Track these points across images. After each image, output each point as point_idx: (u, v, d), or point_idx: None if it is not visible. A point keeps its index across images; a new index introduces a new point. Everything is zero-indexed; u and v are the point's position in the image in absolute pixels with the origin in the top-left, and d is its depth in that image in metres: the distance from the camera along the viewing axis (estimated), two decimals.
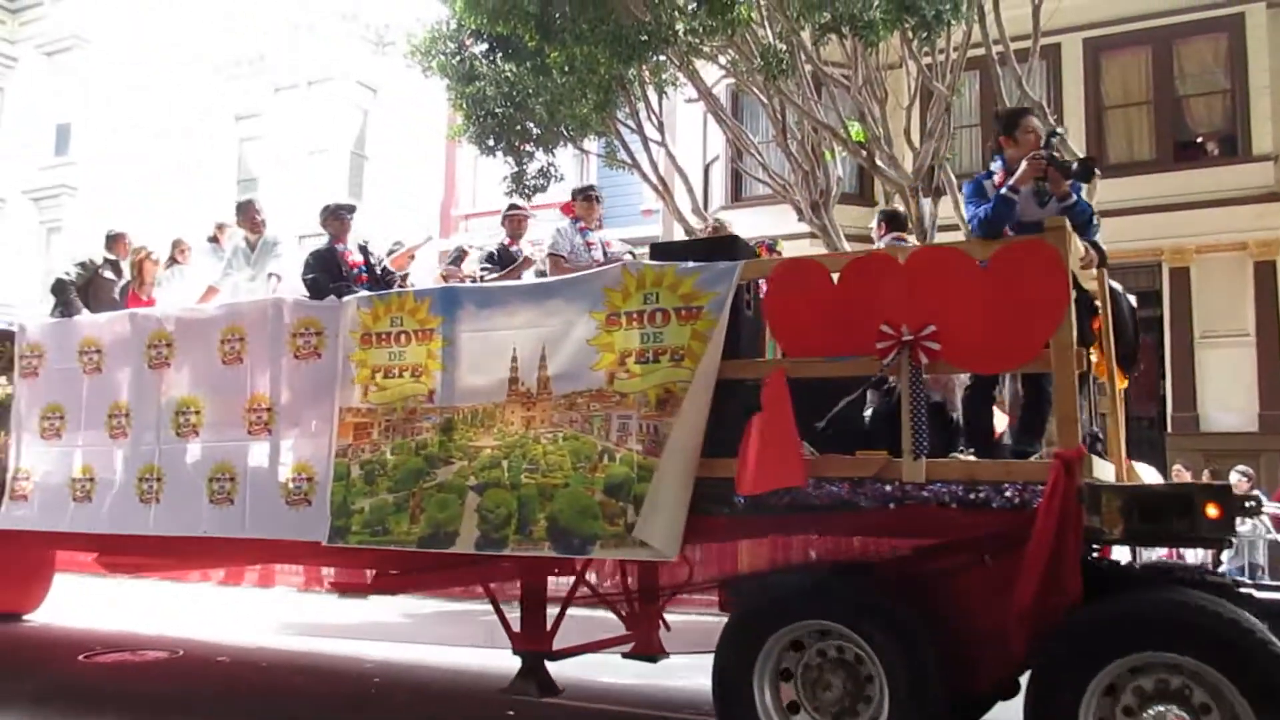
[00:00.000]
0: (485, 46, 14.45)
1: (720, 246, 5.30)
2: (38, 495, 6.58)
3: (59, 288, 7.38)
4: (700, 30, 12.02)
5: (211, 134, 25.19)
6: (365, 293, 5.94)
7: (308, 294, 6.22)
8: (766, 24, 12.54)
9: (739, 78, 14.11)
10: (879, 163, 12.79)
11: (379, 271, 6.84)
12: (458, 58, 14.65)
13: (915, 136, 13.14)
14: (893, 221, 6.54)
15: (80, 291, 7.44)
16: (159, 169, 24.05)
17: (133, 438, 6.26)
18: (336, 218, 6.77)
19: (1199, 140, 15.77)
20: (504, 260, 7.12)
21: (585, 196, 7.30)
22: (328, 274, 6.31)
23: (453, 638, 8.53)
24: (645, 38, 12.00)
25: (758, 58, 12.05)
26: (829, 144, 13.54)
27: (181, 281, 7.72)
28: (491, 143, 14.94)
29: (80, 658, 7.52)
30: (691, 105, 16.89)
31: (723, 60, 14.16)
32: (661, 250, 5.46)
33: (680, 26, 12.13)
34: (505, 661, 6.34)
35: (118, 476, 6.25)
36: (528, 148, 15.23)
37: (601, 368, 4.97)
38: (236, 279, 7.36)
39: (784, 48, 12.02)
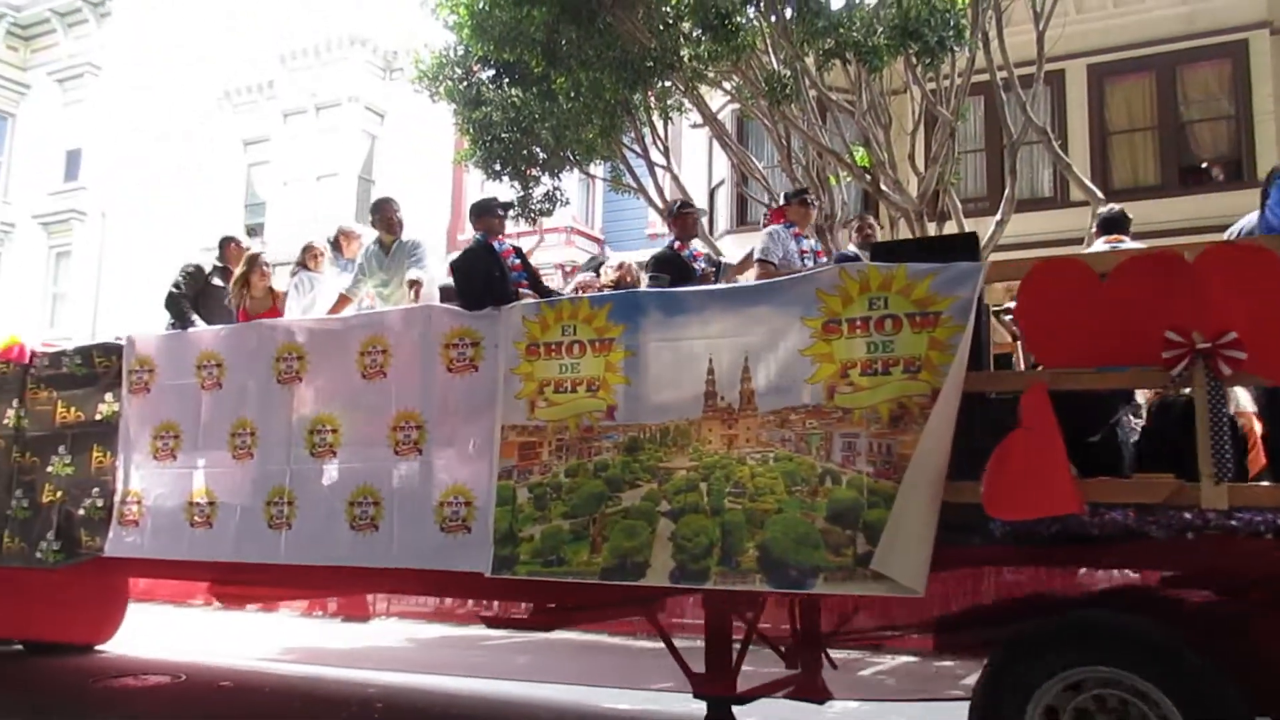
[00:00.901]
0: (492, 72, 14.55)
1: (959, 245, 4.79)
2: (150, 520, 6.10)
3: (172, 303, 6.79)
4: (705, 56, 12.11)
5: (220, 159, 25.40)
6: (530, 299, 5.46)
7: (458, 300, 5.65)
8: (771, 50, 12.62)
9: (744, 103, 14.19)
10: (884, 187, 12.82)
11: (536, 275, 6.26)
12: (465, 83, 14.76)
13: (920, 161, 13.18)
14: (1111, 225, 5.97)
15: (191, 302, 6.89)
16: (168, 194, 24.23)
17: (259, 458, 5.80)
18: (490, 213, 6.03)
19: (1204, 166, 15.79)
20: (675, 265, 6.33)
21: (801, 200, 6.59)
22: (487, 276, 5.66)
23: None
24: (651, 64, 12.08)
25: (762, 83, 12.13)
26: (834, 169, 13.59)
27: (312, 290, 7.02)
28: (498, 167, 15.02)
29: (93, 683, 7.51)
30: (697, 130, 16.98)
31: (728, 86, 14.26)
32: (886, 250, 4.88)
33: (685, 53, 12.23)
34: (506, 689, 6.29)
35: (243, 500, 5.79)
36: (534, 172, 15.30)
37: (818, 380, 4.45)
38: (367, 286, 6.83)
39: (788, 74, 12.09)
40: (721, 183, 17.96)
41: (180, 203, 24.45)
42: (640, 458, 4.77)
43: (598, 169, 16.91)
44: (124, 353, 6.42)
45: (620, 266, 7.01)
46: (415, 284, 6.41)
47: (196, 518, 5.93)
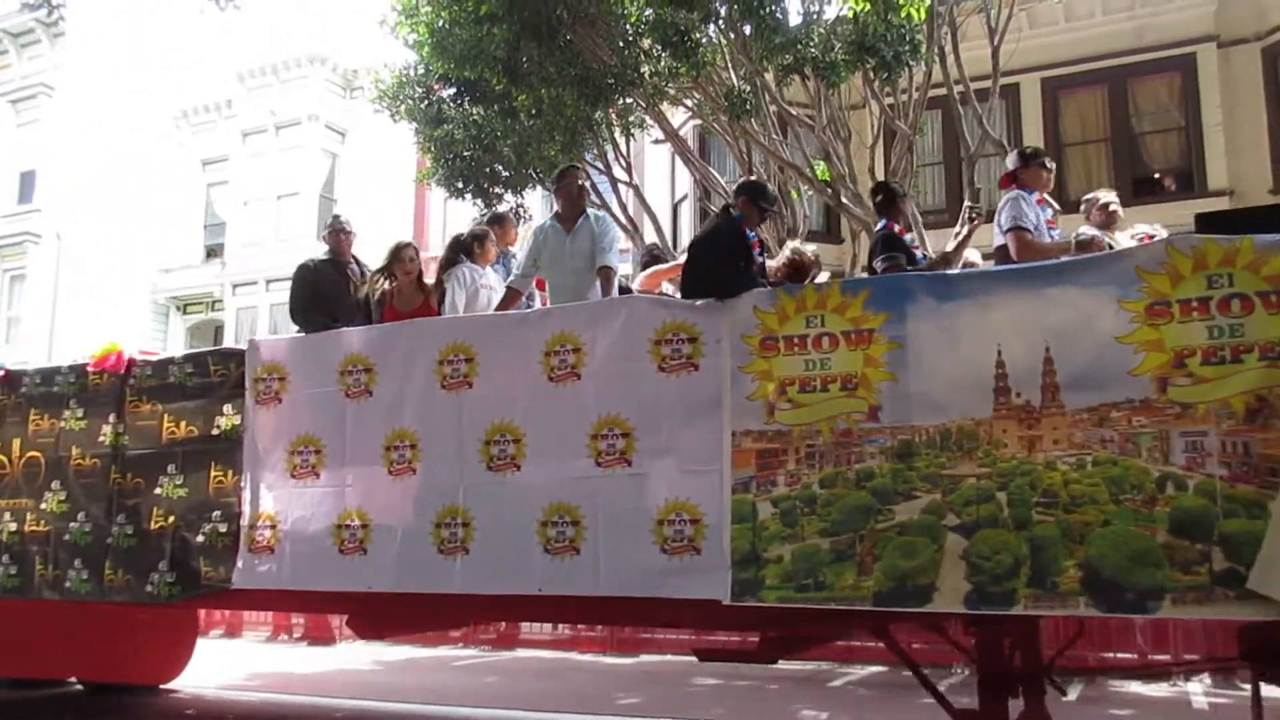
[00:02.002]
0: (453, 90, 14.54)
1: None
2: (289, 547, 5.36)
3: (297, 313, 6.13)
4: (666, 73, 12.18)
5: (178, 180, 25.13)
6: (761, 288, 4.83)
7: (695, 284, 4.93)
8: (731, 67, 12.72)
9: (705, 119, 14.28)
10: (844, 200, 12.94)
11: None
12: (425, 102, 14.73)
13: (880, 174, 13.32)
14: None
15: (310, 303, 6.18)
16: (125, 216, 23.92)
17: (424, 474, 5.11)
18: (762, 198, 5.33)
19: (1156, 176, 16.11)
20: (904, 247, 5.62)
21: (1041, 163, 5.69)
22: (748, 259, 4.95)
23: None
24: (611, 80, 12.13)
25: (723, 99, 12.21)
26: (795, 183, 13.70)
27: (475, 283, 6.18)
28: (461, 185, 14.99)
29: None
30: (659, 146, 17.06)
31: (689, 102, 14.35)
32: (1209, 221, 4.28)
33: (646, 69, 12.29)
34: (475, 714, 6.23)
35: (404, 522, 5.11)
36: (497, 190, 15.29)
37: (1145, 371, 3.87)
38: (539, 274, 6.07)
39: (748, 89, 12.19)
40: (684, 198, 18.04)
41: (138, 224, 24.16)
42: (916, 465, 4.19)
43: None
44: (247, 359, 5.71)
45: (794, 251, 6.07)
46: (606, 272, 5.64)
47: (347, 543, 5.20)
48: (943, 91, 12.64)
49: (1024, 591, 3.90)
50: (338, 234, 6.72)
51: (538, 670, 9.97)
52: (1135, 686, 8.40)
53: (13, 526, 6.14)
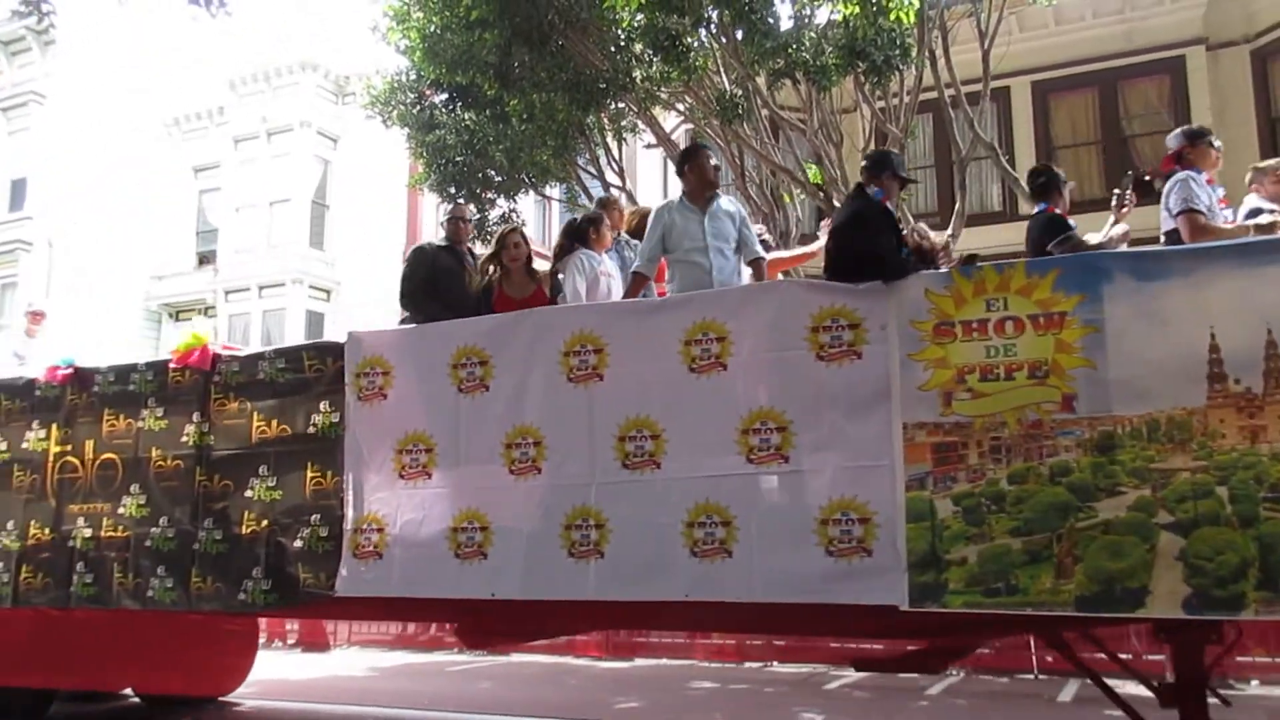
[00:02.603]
0: (445, 96, 14.55)
1: None
2: (398, 552, 5.03)
3: (408, 296, 5.81)
4: (657, 78, 12.21)
5: (170, 187, 25.09)
6: (931, 270, 4.55)
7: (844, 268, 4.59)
8: (722, 71, 12.75)
9: (697, 123, 14.30)
10: (837, 204, 12.96)
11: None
12: (417, 107, 14.74)
13: None
14: None
15: (425, 290, 5.81)
16: (117, 223, 23.86)
17: (550, 473, 4.78)
18: (893, 169, 4.95)
19: (1147, 178, 16.13)
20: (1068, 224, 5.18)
21: (1208, 142, 5.40)
22: (897, 239, 4.63)
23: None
24: (603, 85, 12.16)
25: (714, 104, 12.24)
26: (787, 187, 13.73)
27: (594, 269, 5.69)
28: (453, 190, 15.00)
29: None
30: (651, 150, 17.08)
31: (680, 106, 14.37)
32: None
33: (638, 74, 12.32)
34: None
35: (530, 524, 4.79)
36: (489, 195, 15.30)
37: None
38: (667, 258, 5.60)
39: (740, 94, 12.22)
40: None
41: (130, 231, 24.10)
42: (1119, 458, 3.87)
43: (553, 190, 16.93)
44: (346, 353, 5.36)
45: (919, 234, 5.69)
46: (761, 265, 5.35)
47: (465, 547, 4.87)
48: (933, 95, 12.68)
49: (1253, 595, 3.62)
50: (456, 221, 6.28)
51: (533, 675, 9.96)
52: (1130, 687, 8.41)
53: (88, 532, 5.80)
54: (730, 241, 5.27)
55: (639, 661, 10.52)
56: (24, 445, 6.12)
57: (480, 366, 5.01)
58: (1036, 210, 5.63)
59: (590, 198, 15.44)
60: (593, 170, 15.05)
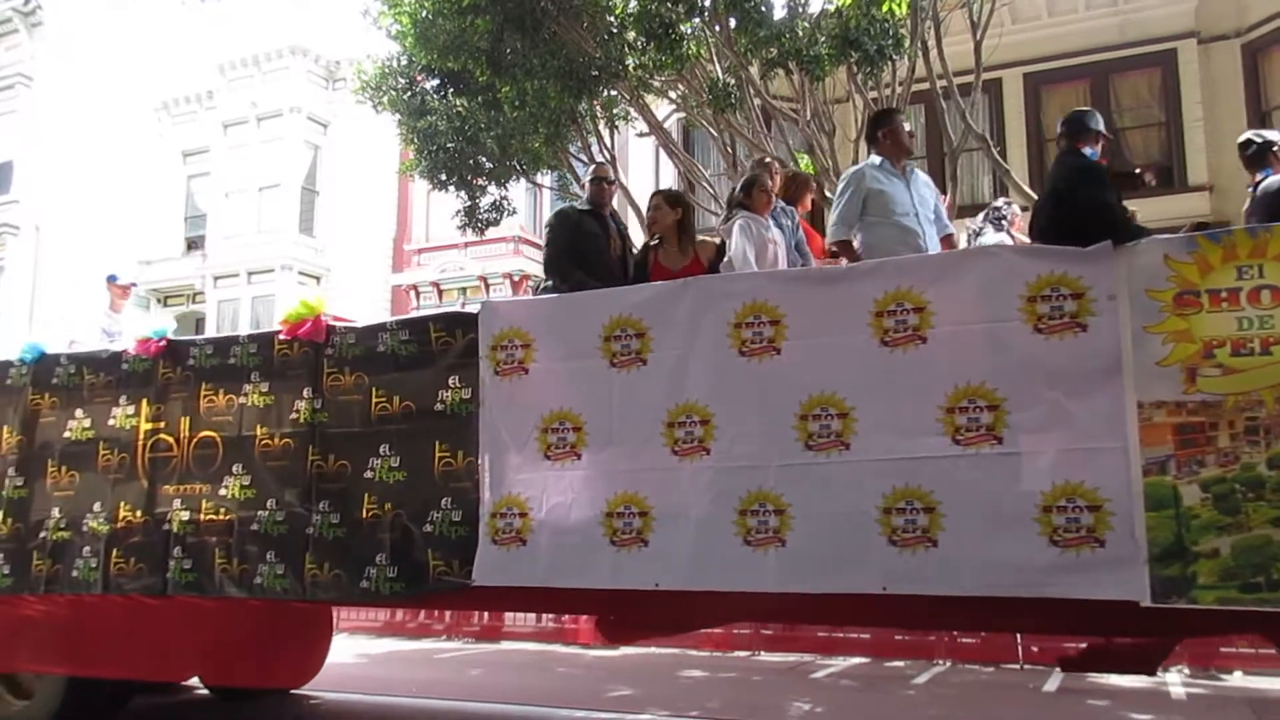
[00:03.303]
0: (436, 82, 14.48)
1: None
2: (544, 539, 4.66)
3: (553, 262, 5.38)
4: (650, 65, 12.17)
5: (158, 171, 24.95)
6: (1165, 235, 4.20)
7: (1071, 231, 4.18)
8: (715, 59, 12.71)
9: (689, 111, 14.27)
10: (828, 194, 12.95)
11: None
12: (409, 93, 14.67)
13: None
14: None
15: (570, 256, 5.40)
16: (105, 207, 23.72)
17: (720, 454, 4.40)
18: (1092, 128, 4.71)
19: (1137, 171, 16.20)
20: None
21: None
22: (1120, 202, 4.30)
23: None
24: (596, 72, 12.12)
25: (707, 92, 12.21)
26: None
27: (760, 234, 5.22)
28: (444, 177, 14.95)
29: None
30: (643, 139, 17.04)
31: (673, 94, 14.33)
32: None
33: (630, 61, 12.27)
34: (460, 707, 6.21)
35: (698, 510, 4.42)
36: (480, 182, 15.25)
37: None
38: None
39: (732, 82, 12.19)
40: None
41: (118, 215, 23.96)
42: None
43: (544, 178, 16.89)
44: (480, 324, 4.95)
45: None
46: (949, 240, 5.03)
47: (621, 534, 4.51)
48: (926, 86, 12.67)
49: None
50: (600, 182, 5.80)
51: (523, 663, 9.98)
52: (1114, 678, 8.49)
53: (185, 515, 5.44)
54: (932, 211, 5.04)
55: (625, 650, 10.56)
56: (110, 422, 5.78)
57: (637, 339, 4.62)
58: (1262, 176, 5.46)
59: (582, 186, 15.39)
60: (584, 158, 15.00)
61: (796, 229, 5.84)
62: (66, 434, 5.90)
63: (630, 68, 12.31)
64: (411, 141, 14.84)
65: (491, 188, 15.47)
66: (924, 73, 12.49)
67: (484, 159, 14.78)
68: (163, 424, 5.65)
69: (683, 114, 15.32)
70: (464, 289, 21.23)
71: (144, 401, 5.73)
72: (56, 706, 6.12)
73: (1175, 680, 8.32)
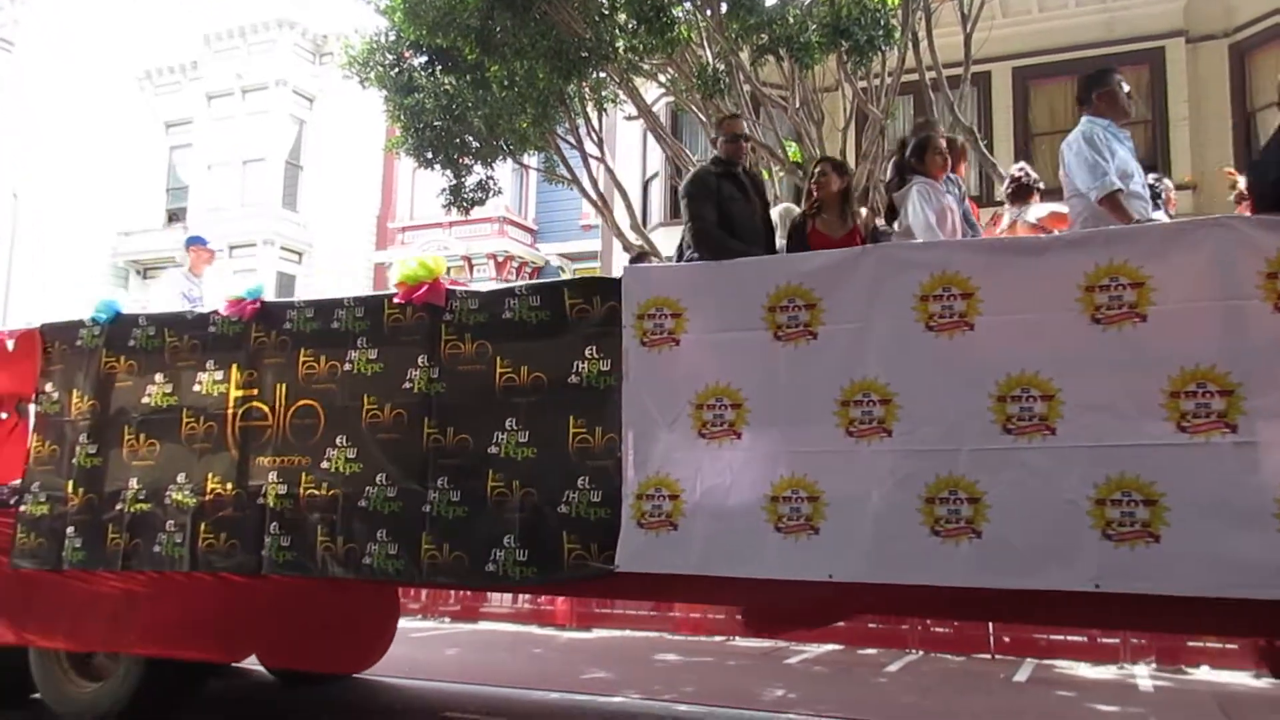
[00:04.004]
0: (424, 59, 14.36)
1: None
2: (697, 524, 4.31)
3: (702, 235, 4.90)
4: (640, 48, 12.11)
5: (141, 141, 24.67)
6: None
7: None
8: (706, 44, 12.67)
9: (678, 96, 14.22)
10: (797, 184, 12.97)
11: None
12: (396, 69, 14.54)
13: (851, 158, 13.35)
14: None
15: (718, 218, 4.94)
16: (85, 176, 23.45)
17: (903, 436, 4.07)
18: None
19: None
20: None
21: None
22: None
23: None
24: (585, 54, 12.05)
25: (696, 77, 12.17)
26: (767, 164, 13.70)
27: (938, 199, 4.85)
28: (430, 155, 14.84)
29: None
30: (631, 122, 16.98)
31: (662, 78, 14.28)
32: None
33: (620, 44, 12.21)
34: (442, 688, 6.20)
35: (877, 496, 4.09)
36: (466, 161, 15.16)
37: None
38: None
39: (722, 68, 12.16)
40: (656, 175, 17.98)
41: (98, 185, 23.70)
42: None
43: (531, 159, 16.82)
44: (624, 291, 4.61)
45: None
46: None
47: (787, 520, 4.17)
48: (915, 77, 12.68)
49: None
50: (736, 140, 5.31)
51: (497, 644, 10.01)
52: (1083, 669, 8.59)
53: (282, 489, 5.10)
54: (1141, 178, 4.71)
55: (599, 632, 10.60)
56: (196, 388, 5.43)
57: (806, 310, 4.28)
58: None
59: (568, 167, 15.35)
60: (572, 140, 14.95)
61: (963, 198, 5.50)
62: (145, 400, 5.55)
63: (620, 50, 12.25)
64: (398, 118, 14.72)
65: (477, 167, 15.38)
66: (913, 64, 12.50)
67: (471, 138, 14.69)
68: (255, 391, 5.31)
69: (671, 98, 15.26)
70: (447, 269, 21.17)
71: (234, 367, 5.39)
72: (133, 689, 5.73)
73: (1143, 673, 8.43)
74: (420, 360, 4.96)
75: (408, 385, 4.96)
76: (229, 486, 5.23)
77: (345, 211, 23.09)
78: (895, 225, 4.94)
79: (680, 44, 11.93)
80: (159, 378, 5.56)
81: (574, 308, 4.73)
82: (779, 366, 4.30)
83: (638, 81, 14.06)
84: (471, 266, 21.28)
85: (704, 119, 13.63)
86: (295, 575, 5.06)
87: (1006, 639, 9.08)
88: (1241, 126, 15.25)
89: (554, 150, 15.32)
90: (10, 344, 6.08)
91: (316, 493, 5.03)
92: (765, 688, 7.69)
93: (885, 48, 11.71)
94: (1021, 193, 6.13)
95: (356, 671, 7.30)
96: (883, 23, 11.21)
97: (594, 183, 15.19)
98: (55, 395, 5.83)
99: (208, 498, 5.25)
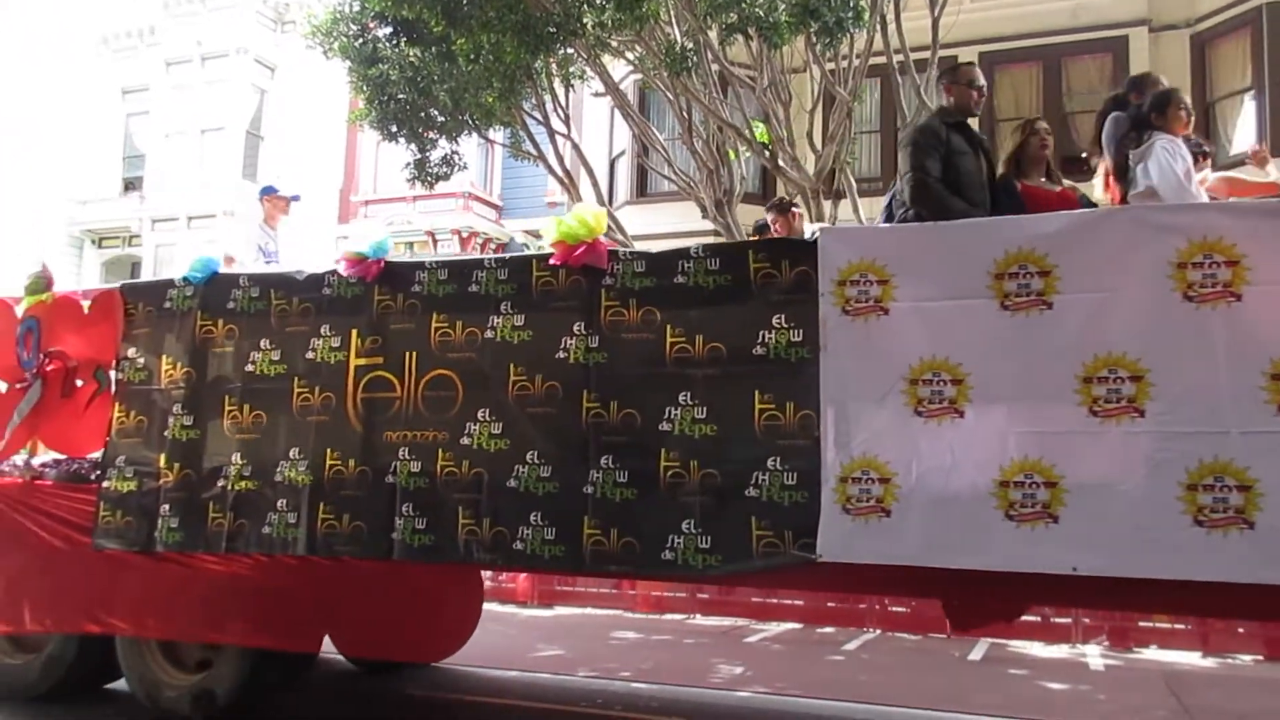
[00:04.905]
0: (389, 30, 14.14)
1: None
2: (913, 510, 3.94)
3: (922, 192, 4.50)
4: (608, 24, 12.00)
5: (96, 107, 24.13)
6: None
7: None
8: (674, 21, 12.60)
9: (646, 74, 14.14)
10: (781, 164, 12.97)
11: None
12: (360, 40, 14.31)
13: (818, 139, 13.37)
14: None
15: (947, 183, 4.55)
16: (39, 142, 22.92)
17: (1158, 417, 3.70)
18: None
19: (1084, 155, 16.42)
20: None
21: None
22: None
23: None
24: (553, 29, 11.93)
25: (664, 54, 12.11)
26: (733, 144, 13.69)
27: (1185, 160, 4.51)
28: (394, 128, 14.65)
29: None
30: (598, 99, 16.87)
31: (630, 56, 14.19)
32: None
33: (589, 19, 12.09)
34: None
35: (1126, 482, 3.74)
36: (431, 135, 14.98)
37: None
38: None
39: (690, 46, 12.11)
40: (622, 153, 17.89)
41: (52, 152, 23.17)
42: None
43: (497, 134, 16.65)
44: (821, 255, 4.21)
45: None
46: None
47: (1020, 506, 3.81)
48: (883, 60, 12.71)
49: None
50: (972, 87, 4.80)
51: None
52: (1036, 649, 8.74)
53: (415, 467, 4.68)
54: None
55: (560, 609, 10.61)
56: (309, 355, 5.00)
57: (1040, 278, 3.88)
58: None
59: (534, 143, 15.22)
60: (538, 116, 14.82)
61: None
62: (249, 368, 5.10)
63: (589, 26, 12.13)
64: (361, 90, 14.50)
65: (442, 141, 15.20)
66: (881, 47, 12.51)
67: (435, 112, 14.51)
68: (380, 360, 4.87)
69: (639, 76, 15.18)
70: (411, 244, 20.91)
71: (354, 332, 4.95)
72: (240, 680, 5.34)
73: (1094, 652, 8.60)
74: (577, 328, 4.53)
75: (562, 355, 4.54)
76: (351, 463, 4.82)
77: (307, 184, 22.73)
78: (1128, 188, 4.61)
79: (649, 21, 11.85)
80: (265, 343, 5.12)
81: (759, 272, 4.33)
82: (1006, 339, 3.93)
83: (605, 58, 13.97)
84: (435, 242, 21.08)
85: (671, 98, 13.57)
86: (433, 561, 4.74)
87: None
88: (1201, 116, 15.45)
89: (520, 126, 15.19)
90: (85, 305, 5.66)
91: (456, 472, 4.63)
92: (722, 665, 7.75)
93: (854, 30, 11.71)
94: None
95: (441, 659, 6.99)
96: (852, 4, 11.20)
97: (560, 159, 15.09)
98: (141, 361, 5.37)
99: (327, 475, 4.84)
